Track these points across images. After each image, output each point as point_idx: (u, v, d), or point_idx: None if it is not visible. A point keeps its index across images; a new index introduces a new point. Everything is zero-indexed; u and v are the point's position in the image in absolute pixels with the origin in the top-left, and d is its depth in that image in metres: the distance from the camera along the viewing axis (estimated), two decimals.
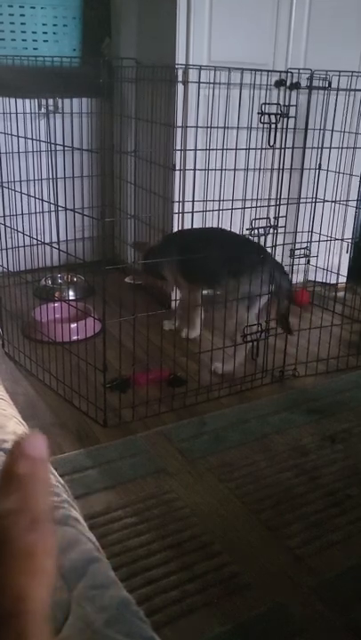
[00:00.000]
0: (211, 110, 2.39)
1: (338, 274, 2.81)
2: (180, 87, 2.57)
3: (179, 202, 2.63)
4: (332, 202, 2.61)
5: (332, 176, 2.65)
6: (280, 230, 2.16)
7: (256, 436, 2.00)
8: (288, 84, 2.10)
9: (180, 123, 2.62)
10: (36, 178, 2.71)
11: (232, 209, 2.15)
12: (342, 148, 2.57)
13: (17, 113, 2.53)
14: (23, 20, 3.04)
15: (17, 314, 2.55)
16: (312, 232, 2.55)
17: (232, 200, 2.14)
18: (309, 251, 2.47)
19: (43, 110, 2.96)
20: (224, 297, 2.26)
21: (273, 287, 2.25)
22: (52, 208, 2.38)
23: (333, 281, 2.89)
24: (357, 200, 2.82)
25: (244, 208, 2.18)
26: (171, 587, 1.38)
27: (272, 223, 2.12)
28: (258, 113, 2.02)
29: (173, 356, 2.27)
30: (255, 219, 2.11)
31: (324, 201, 2.54)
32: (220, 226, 2.28)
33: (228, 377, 2.31)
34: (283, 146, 2.06)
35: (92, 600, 0.67)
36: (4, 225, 2.40)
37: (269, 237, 2.14)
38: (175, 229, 2.64)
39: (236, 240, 2.28)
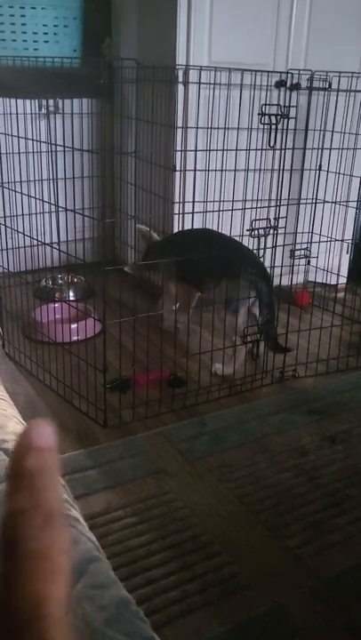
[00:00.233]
0: (211, 111, 2.39)
1: (338, 275, 2.82)
2: (181, 88, 2.57)
3: (179, 203, 2.63)
4: (332, 203, 2.61)
5: (332, 177, 2.65)
6: (280, 231, 2.16)
7: (256, 436, 2.00)
8: (288, 84, 2.10)
9: (180, 123, 2.62)
10: (37, 178, 2.71)
11: (232, 210, 2.15)
12: (342, 149, 2.57)
13: (17, 113, 2.53)
14: (24, 21, 3.05)
15: (17, 314, 2.55)
16: (312, 233, 2.55)
17: (232, 201, 2.14)
18: (310, 251, 2.47)
19: (43, 111, 2.96)
20: (213, 300, 2.27)
21: (254, 293, 2.24)
22: (53, 209, 2.38)
23: (333, 282, 2.89)
24: (358, 201, 2.82)
25: (245, 209, 2.18)
26: (170, 587, 1.38)
27: (272, 224, 2.13)
28: (258, 114, 2.02)
29: (174, 356, 2.27)
30: (255, 219, 2.11)
31: (325, 202, 2.54)
32: (220, 226, 2.27)
33: (228, 378, 2.31)
34: (283, 147, 2.07)
35: (91, 599, 0.67)
36: (5, 225, 2.40)
37: (270, 238, 2.15)
38: (175, 230, 2.64)
39: (222, 243, 2.29)
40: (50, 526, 0.27)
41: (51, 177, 2.87)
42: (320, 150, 2.47)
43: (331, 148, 2.44)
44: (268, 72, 2.39)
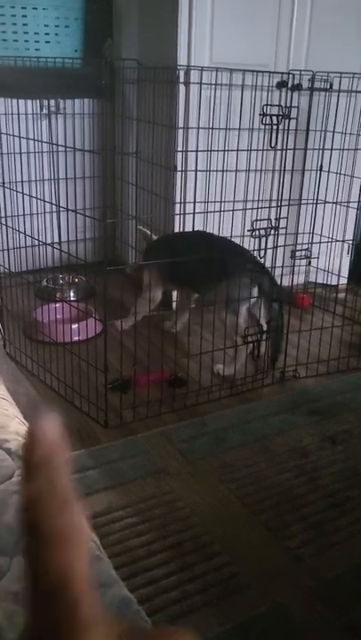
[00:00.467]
0: (212, 111, 2.39)
1: (339, 275, 2.82)
2: (182, 88, 2.58)
3: (180, 203, 2.63)
4: (333, 203, 2.61)
5: (333, 177, 2.65)
6: (281, 231, 2.16)
7: (256, 436, 2.00)
8: (290, 85, 2.10)
9: (181, 124, 2.62)
10: (38, 178, 2.72)
11: (233, 210, 2.16)
12: (343, 149, 2.57)
13: (19, 114, 2.53)
14: (25, 21, 3.05)
15: (18, 314, 2.55)
16: (313, 233, 2.55)
17: (233, 201, 2.15)
18: (310, 252, 2.47)
19: (44, 111, 2.97)
20: (212, 301, 2.27)
21: (257, 290, 2.24)
22: (54, 209, 2.38)
23: (334, 282, 2.89)
24: (358, 202, 2.83)
25: (246, 209, 2.18)
26: (171, 587, 1.39)
27: (273, 224, 2.13)
28: (259, 114, 2.03)
29: (174, 356, 2.27)
30: (256, 220, 2.11)
31: (326, 202, 2.54)
32: (221, 227, 2.27)
33: (229, 378, 2.31)
34: (284, 147, 2.07)
35: None
36: (6, 225, 2.41)
37: (270, 238, 2.15)
38: (176, 230, 2.65)
39: (219, 245, 2.29)
40: (66, 511, 0.29)
41: (52, 177, 2.88)
42: (321, 151, 2.47)
43: (332, 149, 2.44)
44: (270, 72, 2.40)
